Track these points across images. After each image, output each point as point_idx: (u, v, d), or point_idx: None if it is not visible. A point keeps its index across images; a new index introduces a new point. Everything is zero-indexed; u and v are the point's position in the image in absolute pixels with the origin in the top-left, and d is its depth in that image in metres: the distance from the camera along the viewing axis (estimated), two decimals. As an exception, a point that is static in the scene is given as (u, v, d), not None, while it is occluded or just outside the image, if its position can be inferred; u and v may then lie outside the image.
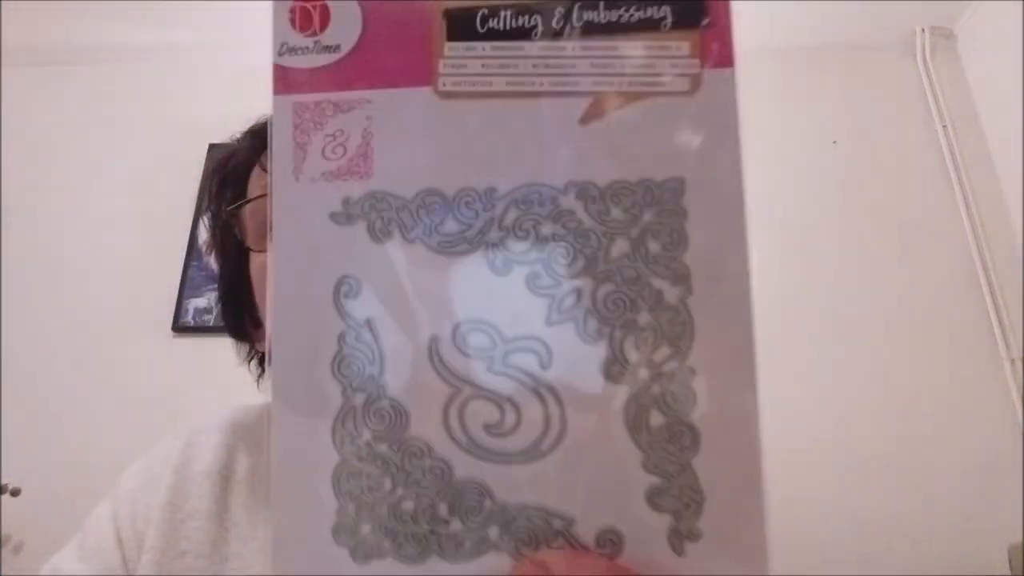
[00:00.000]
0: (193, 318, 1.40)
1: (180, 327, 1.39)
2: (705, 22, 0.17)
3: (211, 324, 1.38)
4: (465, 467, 0.17)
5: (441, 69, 0.18)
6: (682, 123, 0.17)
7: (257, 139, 0.39)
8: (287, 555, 0.17)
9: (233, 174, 0.41)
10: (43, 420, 1.35)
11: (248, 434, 0.41)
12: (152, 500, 0.37)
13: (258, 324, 0.40)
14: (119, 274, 1.46)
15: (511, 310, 0.17)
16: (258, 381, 0.45)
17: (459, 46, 0.18)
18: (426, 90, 0.18)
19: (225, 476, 0.38)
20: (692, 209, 0.17)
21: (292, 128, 0.18)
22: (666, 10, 0.18)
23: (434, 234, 0.18)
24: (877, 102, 1.50)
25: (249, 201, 0.38)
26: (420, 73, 0.18)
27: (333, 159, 0.18)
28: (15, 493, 1.27)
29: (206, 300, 1.40)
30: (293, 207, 0.18)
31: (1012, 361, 1.25)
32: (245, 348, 0.44)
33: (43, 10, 1.49)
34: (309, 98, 0.19)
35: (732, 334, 0.17)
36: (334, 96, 0.18)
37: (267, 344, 0.18)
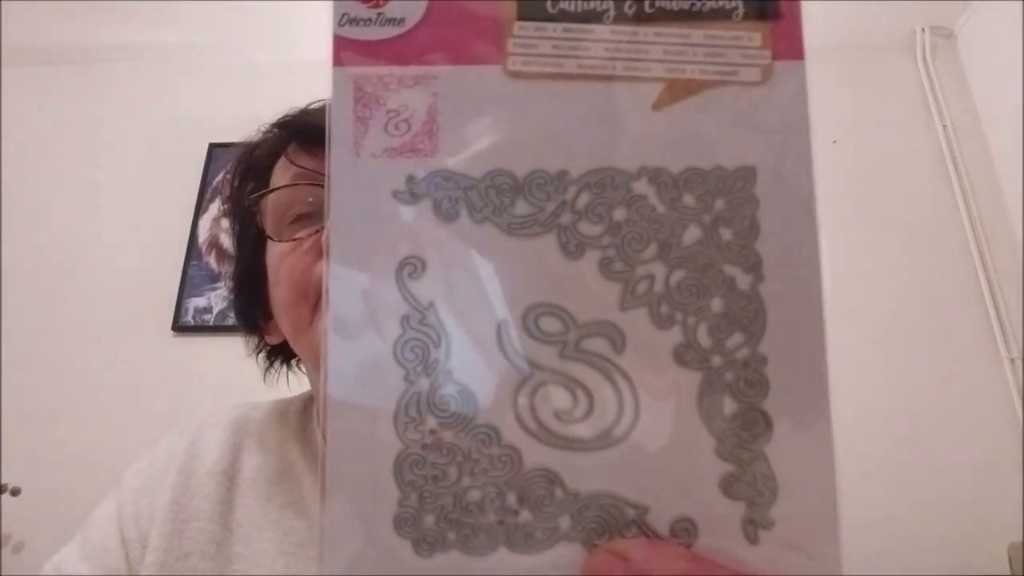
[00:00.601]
0: (193, 318, 1.38)
1: (180, 327, 1.38)
2: (775, 15, 0.18)
3: (211, 324, 1.37)
4: (535, 455, 0.17)
5: (511, 48, 0.18)
6: (753, 113, 0.18)
7: (284, 131, 0.38)
8: (344, 548, 0.16)
9: (257, 164, 0.40)
10: (43, 420, 1.33)
11: (254, 433, 0.40)
12: (156, 500, 0.36)
13: (269, 316, 0.40)
14: (119, 274, 1.44)
15: (584, 294, 0.17)
16: (264, 374, 0.44)
17: (529, 26, 0.18)
18: (495, 69, 0.18)
19: (230, 476, 0.37)
20: (763, 198, 0.17)
21: (352, 102, 0.18)
22: (738, 1, 0.18)
23: (504, 215, 0.17)
24: (877, 102, 1.51)
25: (273, 190, 0.38)
26: (488, 51, 0.18)
27: (396, 135, 0.18)
28: (15, 493, 1.26)
29: (206, 300, 1.39)
30: (353, 183, 0.17)
31: (1012, 361, 1.26)
32: (254, 340, 0.43)
33: (43, 10, 1.47)
34: (371, 71, 0.18)
35: (803, 321, 0.17)
36: (397, 70, 0.18)
37: (324, 326, 0.17)
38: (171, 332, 1.38)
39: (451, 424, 0.17)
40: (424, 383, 0.17)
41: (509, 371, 0.17)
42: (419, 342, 0.17)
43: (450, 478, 0.16)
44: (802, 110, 0.17)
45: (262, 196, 0.38)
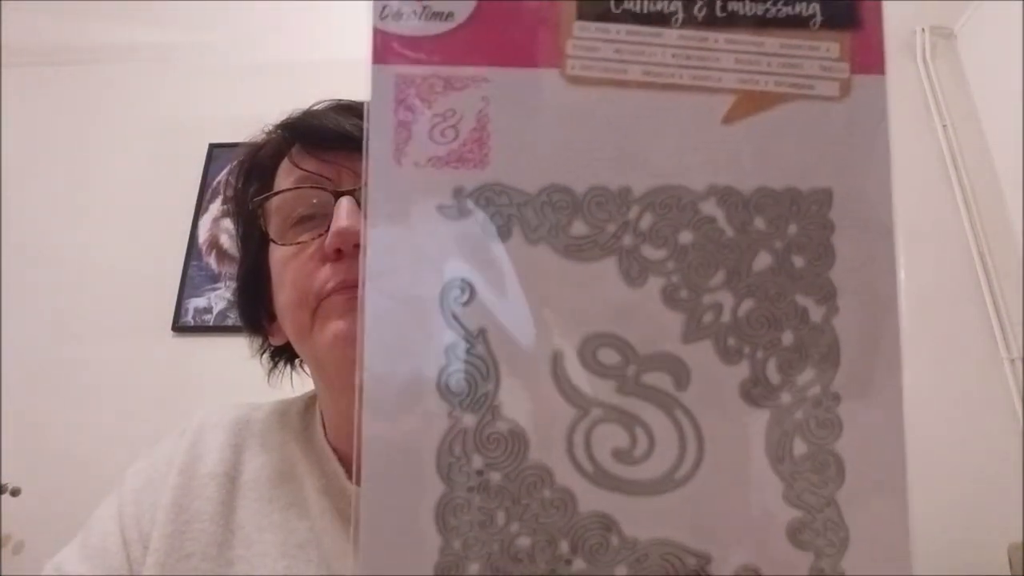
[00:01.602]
0: (193, 318, 1.37)
1: (180, 327, 1.37)
2: (855, 23, 0.17)
3: (211, 324, 1.35)
4: (590, 499, 0.15)
5: (570, 51, 0.16)
6: (831, 130, 0.16)
7: (288, 132, 0.37)
8: None
9: (260, 166, 0.39)
10: (43, 420, 1.31)
11: (256, 433, 0.39)
12: (157, 500, 0.35)
13: (273, 318, 0.39)
14: (119, 274, 1.42)
15: (645, 324, 0.16)
16: (268, 375, 0.43)
17: (591, 27, 0.16)
18: (552, 72, 0.16)
19: (232, 477, 0.36)
20: (839, 222, 0.16)
21: (394, 103, 0.16)
22: (815, 7, 0.17)
23: (561, 235, 0.16)
24: None
25: (277, 194, 0.37)
26: (545, 53, 0.16)
27: (443, 143, 0.16)
28: (15, 493, 1.24)
29: (206, 300, 1.38)
30: (394, 195, 0.16)
31: (1012, 361, 1.24)
32: (258, 341, 0.42)
33: (43, 10, 1.45)
34: (415, 71, 0.16)
35: (879, 358, 0.16)
36: (444, 71, 0.16)
37: (359, 353, 0.16)
38: (171, 332, 1.37)
39: (500, 464, 0.15)
40: (470, 419, 0.15)
41: (564, 407, 0.15)
42: (466, 373, 0.15)
43: (498, 523, 0.15)
44: (882, 129, 0.16)
45: (266, 199, 0.37)
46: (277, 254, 0.36)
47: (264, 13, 1.51)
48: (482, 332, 0.15)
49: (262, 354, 0.43)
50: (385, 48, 0.16)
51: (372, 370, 0.15)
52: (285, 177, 0.37)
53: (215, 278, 1.42)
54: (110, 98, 1.61)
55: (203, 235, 1.46)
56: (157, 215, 1.48)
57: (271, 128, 0.39)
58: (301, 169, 0.36)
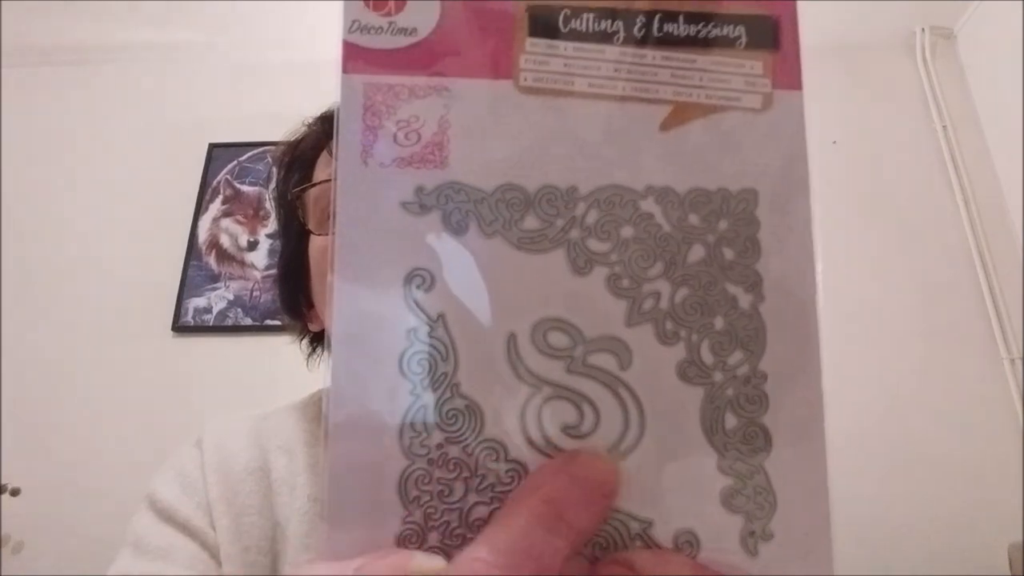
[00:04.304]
0: (193, 318, 1.36)
1: (180, 327, 1.36)
2: (775, 45, 0.19)
3: (211, 324, 1.33)
4: None
5: (523, 64, 0.18)
6: (755, 138, 0.18)
7: (327, 125, 0.39)
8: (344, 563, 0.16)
9: (301, 158, 0.41)
10: (43, 420, 1.29)
11: (274, 437, 0.39)
12: (205, 497, 0.35)
13: (311, 305, 0.41)
14: (119, 274, 1.41)
15: (592, 310, 0.17)
16: (308, 359, 0.45)
17: (541, 43, 0.18)
18: (507, 83, 0.18)
19: (266, 473, 0.37)
20: (764, 220, 0.18)
21: (362, 110, 0.18)
22: (741, 30, 0.19)
23: (514, 229, 0.17)
24: (877, 102, 1.49)
25: (314, 185, 0.38)
26: (501, 66, 0.18)
27: (407, 145, 0.17)
28: (15, 493, 1.23)
29: (206, 300, 1.37)
30: (361, 192, 0.17)
31: (1012, 361, 1.25)
32: (298, 327, 0.44)
33: (43, 10, 1.44)
34: (382, 80, 0.18)
35: (800, 340, 0.18)
36: (408, 80, 0.18)
37: (327, 338, 0.17)
38: (171, 332, 1.36)
39: (458, 439, 0.16)
40: (430, 397, 0.16)
41: (517, 385, 0.17)
42: (426, 355, 0.17)
43: (456, 494, 0.16)
44: (800, 138, 0.18)
45: (304, 190, 0.39)
46: (315, 244, 0.38)
47: (264, 13, 1.49)
48: (441, 317, 0.17)
49: (301, 340, 0.44)
50: (354, 59, 0.17)
51: (339, 354, 0.16)
52: (324, 169, 0.39)
53: (215, 278, 1.41)
54: (110, 98, 1.59)
55: (203, 235, 1.45)
56: (157, 215, 1.46)
57: (311, 120, 0.41)
58: None
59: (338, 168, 0.17)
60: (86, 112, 1.60)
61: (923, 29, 1.52)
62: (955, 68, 1.52)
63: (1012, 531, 1.10)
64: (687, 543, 0.16)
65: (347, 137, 0.17)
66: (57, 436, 1.30)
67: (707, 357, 0.17)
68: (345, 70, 0.17)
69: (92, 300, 1.42)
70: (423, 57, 0.17)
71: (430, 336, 0.16)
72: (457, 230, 0.17)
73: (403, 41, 0.17)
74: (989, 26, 1.43)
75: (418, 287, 0.16)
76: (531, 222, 0.17)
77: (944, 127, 1.44)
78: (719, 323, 0.17)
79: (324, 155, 0.40)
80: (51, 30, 1.54)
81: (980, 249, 1.35)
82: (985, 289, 1.33)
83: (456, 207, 0.17)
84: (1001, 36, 1.36)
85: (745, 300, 0.17)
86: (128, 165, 1.55)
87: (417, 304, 0.16)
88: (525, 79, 0.17)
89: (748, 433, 0.17)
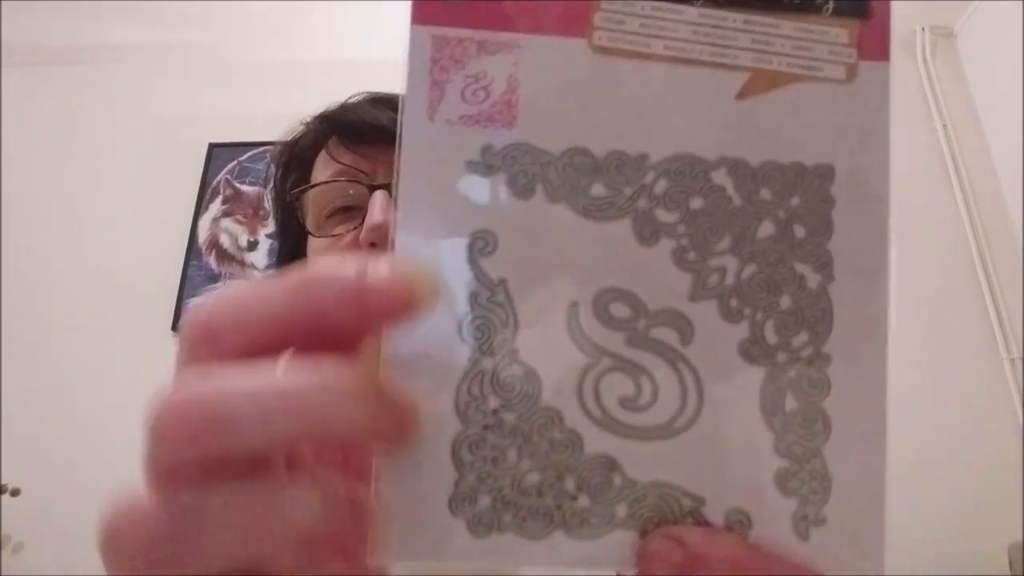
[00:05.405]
0: None
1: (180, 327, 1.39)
2: (865, 13, 0.18)
3: None
4: (596, 441, 0.16)
5: (598, 22, 0.17)
6: (836, 111, 0.18)
7: (326, 124, 0.38)
8: (397, 527, 0.16)
9: (299, 157, 0.40)
10: (43, 420, 1.30)
11: None
12: None
13: None
14: (119, 274, 1.41)
15: (656, 282, 0.17)
16: None
17: (618, 2, 0.17)
18: (580, 42, 0.17)
19: None
20: (839, 198, 0.17)
21: (430, 63, 0.17)
22: (828, -5, 0.18)
23: (581, 196, 0.17)
24: None
25: (314, 186, 0.37)
26: (574, 24, 0.17)
27: (474, 103, 0.17)
28: (15, 493, 1.24)
29: None
30: (426, 149, 0.17)
31: (1012, 361, 1.23)
32: None
33: (43, 10, 1.42)
34: (451, 33, 0.17)
35: (868, 324, 0.17)
36: (478, 35, 0.17)
37: None
38: (171, 332, 1.36)
39: (514, 406, 0.16)
40: (489, 363, 0.16)
41: (577, 355, 0.16)
42: (486, 320, 0.16)
43: (510, 460, 0.16)
44: (884, 113, 0.17)
45: (303, 191, 0.38)
46: (313, 245, 0.37)
47: (264, 13, 1.47)
48: (503, 282, 0.16)
49: None
50: (422, 11, 0.17)
51: None
52: (322, 169, 0.38)
53: (215, 278, 1.42)
54: (110, 98, 1.58)
55: (203, 235, 1.45)
56: (157, 215, 1.45)
57: (309, 119, 0.40)
58: (337, 162, 0.36)
59: (403, 123, 0.16)
60: (86, 112, 1.59)
61: (923, 29, 1.49)
62: (955, 68, 1.49)
63: (1012, 531, 1.10)
64: (738, 523, 0.16)
65: (413, 91, 0.16)
66: (57, 436, 1.31)
67: (771, 337, 0.16)
68: (414, 21, 0.16)
69: (92, 300, 1.41)
70: (492, 11, 0.17)
71: (491, 301, 0.16)
72: (523, 193, 0.16)
73: (473, -7, 0.17)
74: (989, 26, 1.40)
75: (480, 250, 0.16)
76: (598, 189, 0.16)
77: (944, 126, 1.42)
78: (785, 302, 0.16)
79: (322, 155, 0.39)
80: (51, 30, 1.52)
81: (980, 249, 1.34)
82: (985, 289, 1.32)
83: (523, 169, 0.16)
84: (1001, 36, 1.33)
85: (813, 280, 0.17)
86: (128, 165, 1.54)
87: (479, 267, 0.16)
88: (599, 38, 0.17)
89: (808, 416, 0.16)
